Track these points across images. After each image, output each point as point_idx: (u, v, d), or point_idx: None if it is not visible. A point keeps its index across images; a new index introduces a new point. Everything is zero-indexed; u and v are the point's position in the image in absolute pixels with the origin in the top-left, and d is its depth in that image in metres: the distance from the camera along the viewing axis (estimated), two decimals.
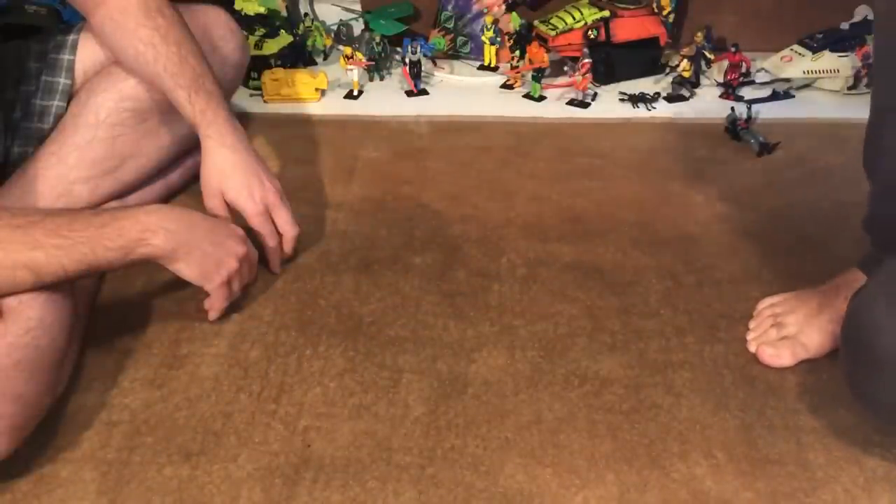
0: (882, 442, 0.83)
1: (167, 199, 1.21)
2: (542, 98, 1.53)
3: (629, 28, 1.56)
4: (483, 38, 1.61)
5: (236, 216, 1.04)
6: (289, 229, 1.06)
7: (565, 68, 1.60)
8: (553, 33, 1.53)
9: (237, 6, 1.52)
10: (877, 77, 0.90)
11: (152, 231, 0.87)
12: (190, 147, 1.18)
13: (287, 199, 1.07)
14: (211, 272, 0.94)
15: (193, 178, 1.21)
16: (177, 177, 1.22)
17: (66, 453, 0.83)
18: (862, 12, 1.52)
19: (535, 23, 1.58)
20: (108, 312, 1.02)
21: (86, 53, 1.12)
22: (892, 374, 0.73)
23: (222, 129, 1.03)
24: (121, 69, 1.09)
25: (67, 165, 1.07)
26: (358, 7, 1.71)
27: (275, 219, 1.05)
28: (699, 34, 1.52)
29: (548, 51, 1.52)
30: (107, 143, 1.09)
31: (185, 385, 0.91)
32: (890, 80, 0.83)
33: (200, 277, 0.94)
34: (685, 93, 1.52)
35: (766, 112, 1.44)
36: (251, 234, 1.03)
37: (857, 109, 1.26)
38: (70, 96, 1.11)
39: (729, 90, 1.52)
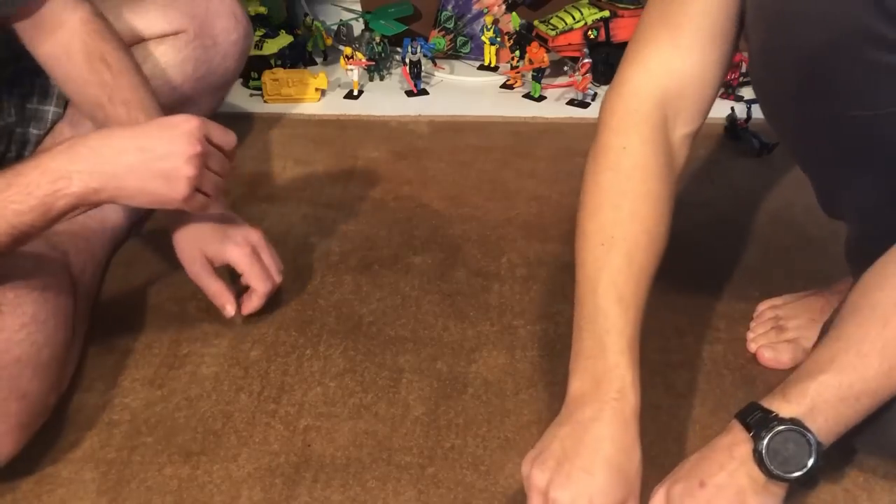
0: None
1: None
2: (542, 98, 1.54)
3: (629, 28, 1.56)
4: (483, 38, 1.61)
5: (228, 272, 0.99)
6: (274, 273, 0.98)
7: (565, 68, 1.60)
8: (553, 33, 1.53)
9: None
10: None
11: (65, 178, 0.76)
12: None
13: (271, 246, 0.99)
14: (167, 193, 0.81)
15: None
16: None
17: (67, 453, 0.83)
18: None
19: (535, 23, 1.58)
20: (108, 312, 1.02)
21: None
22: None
23: None
24: None
25: None
26: (358, 7, 1.71)
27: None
28: None
29: (548, 51, 1.52)
30: None
31: (185, 385, 0.91)
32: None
33: (160, 203, 0.83)
34: None
35: None
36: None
37: None
38: (67, 99, 1.10)
39: (728, 90, 1.52)
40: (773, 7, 0.68)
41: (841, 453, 0.82)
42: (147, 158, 0.79)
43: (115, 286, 1.06)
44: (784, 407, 0.67)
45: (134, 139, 0.80)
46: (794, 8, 0.66)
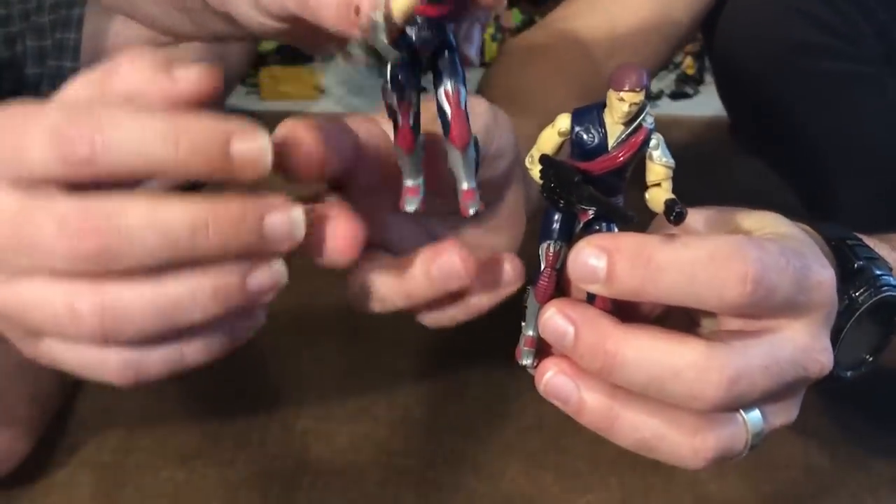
0: (888, 445, 0.83)
1: None
2: None
3: None
4: (484, 34, 1.60)
5: None
6: None
7: None
8: None
9: None
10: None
11: None
12: None
13: None
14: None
15: None
16: None
17: (62, 457, 0.82)
18: None
19: (537, 18, 1.57)
20: None
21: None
22: None
23: None
24: None
25: None
26: None
27: None
28: None
29: None
30: None
31: (181, 387, 0.90)
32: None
33: None
34: (689, 90, 1.51)
35: None
36: None
37: None
38: None
39: None
40: (724, 34, 0.69)
41: (847, 455, 0.82)
42: None
43: None
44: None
45: None
46: (738, 33, 0.67)
